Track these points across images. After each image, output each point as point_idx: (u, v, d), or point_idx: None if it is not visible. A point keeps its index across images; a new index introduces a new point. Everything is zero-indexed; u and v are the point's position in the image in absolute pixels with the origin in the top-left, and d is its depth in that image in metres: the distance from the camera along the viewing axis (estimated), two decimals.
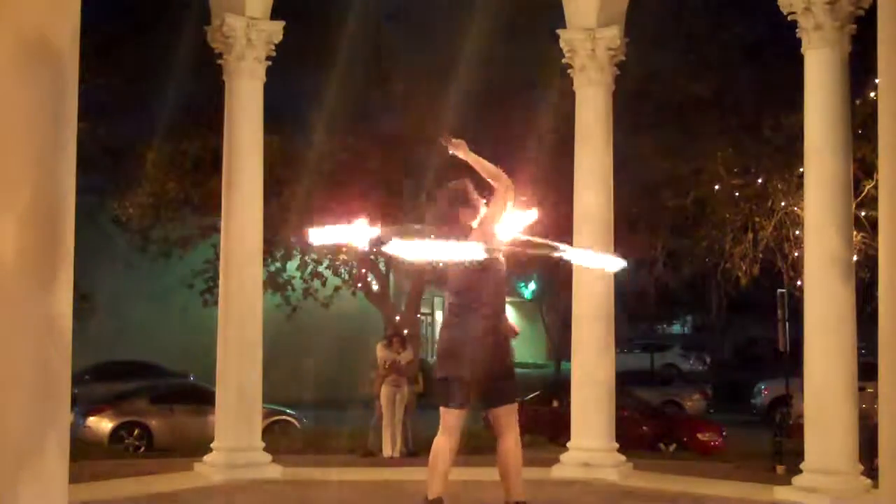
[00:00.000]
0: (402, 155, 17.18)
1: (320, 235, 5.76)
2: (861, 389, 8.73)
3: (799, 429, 9.63)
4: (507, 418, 6.05)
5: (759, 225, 15.11)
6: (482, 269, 5.85)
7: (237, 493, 8.80)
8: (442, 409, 6.04)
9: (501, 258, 6.07)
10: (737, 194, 15.38)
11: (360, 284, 18.96)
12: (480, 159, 6.09)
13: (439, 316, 36.62)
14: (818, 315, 8.54)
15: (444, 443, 5.94)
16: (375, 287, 19.02)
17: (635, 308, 26.81)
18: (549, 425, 15.16)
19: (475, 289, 5.96)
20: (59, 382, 3.94)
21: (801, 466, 8.60)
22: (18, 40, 3.83)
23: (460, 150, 6.08)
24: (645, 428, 16.52)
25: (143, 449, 16.36)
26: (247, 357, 9.57)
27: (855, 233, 10.23)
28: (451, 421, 5.98)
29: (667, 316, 39.59)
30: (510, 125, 16.19)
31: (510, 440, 6.00)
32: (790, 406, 14.74)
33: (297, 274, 18.45)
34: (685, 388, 25.76)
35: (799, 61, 8.78)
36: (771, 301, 13.81)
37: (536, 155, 14.75)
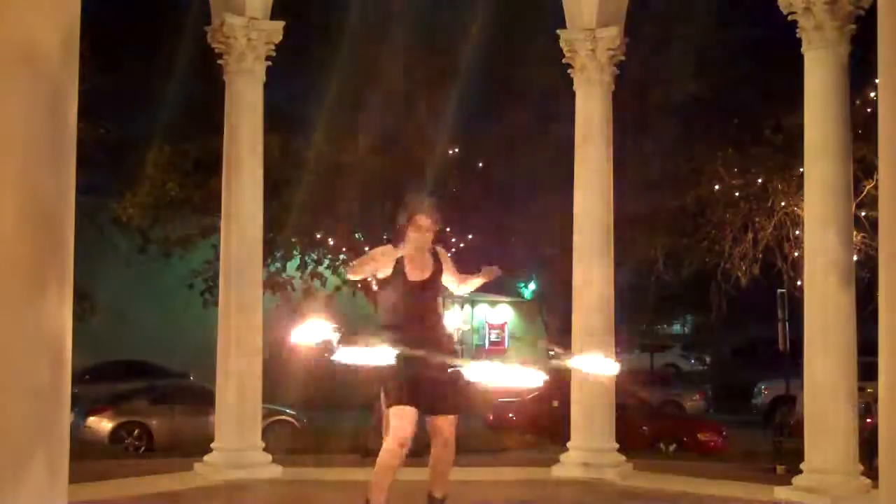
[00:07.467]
0: (402, 155, 17.17)
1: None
2: (861, 389, 8.73)
3: (799, 427, 9.61)
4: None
5: (759, 225, 15.10)
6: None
7: (237, 493, 8.80)
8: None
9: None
10: (737, 194, 15.37)
11: (359, 285, 18.91)
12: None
13: None
14: (818, 317, 8.53)
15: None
16: (375, 287, 18.94)
17: (635, 308, 26.76)
18: (549, 425, 15.14)
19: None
20: (60, 384, 3.94)
21: (801, 466, 8.60)
22: (4, 46, 3.84)
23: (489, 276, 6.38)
24: (645, 428, 16.50)
25: (143, 449, 16.34)
26: (247, 357, 9.57)
27: (855, 233, 10.23)
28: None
29: (667, 316, 39.49)
30: (510, 125, 16.18)
31: (439, 445, 6.23)
32: (793, 406, 14.71)
33: (297, 274, 18.43)
34: (685, 388, 25.73)
35: (799, 61, 8.78)
36: (771, 301, 13.79)
37: (536, 155, 14.75)
